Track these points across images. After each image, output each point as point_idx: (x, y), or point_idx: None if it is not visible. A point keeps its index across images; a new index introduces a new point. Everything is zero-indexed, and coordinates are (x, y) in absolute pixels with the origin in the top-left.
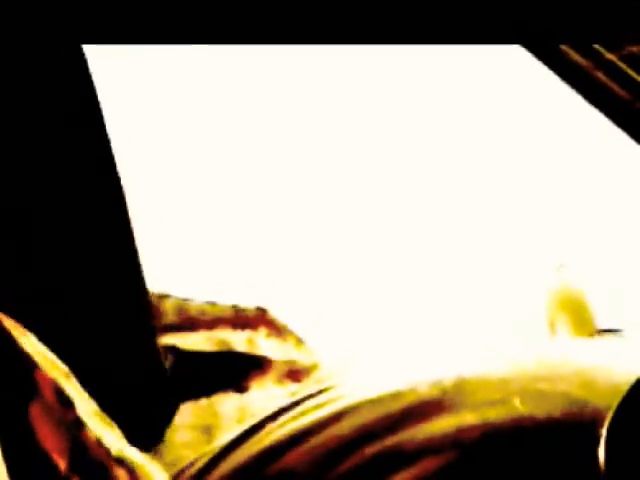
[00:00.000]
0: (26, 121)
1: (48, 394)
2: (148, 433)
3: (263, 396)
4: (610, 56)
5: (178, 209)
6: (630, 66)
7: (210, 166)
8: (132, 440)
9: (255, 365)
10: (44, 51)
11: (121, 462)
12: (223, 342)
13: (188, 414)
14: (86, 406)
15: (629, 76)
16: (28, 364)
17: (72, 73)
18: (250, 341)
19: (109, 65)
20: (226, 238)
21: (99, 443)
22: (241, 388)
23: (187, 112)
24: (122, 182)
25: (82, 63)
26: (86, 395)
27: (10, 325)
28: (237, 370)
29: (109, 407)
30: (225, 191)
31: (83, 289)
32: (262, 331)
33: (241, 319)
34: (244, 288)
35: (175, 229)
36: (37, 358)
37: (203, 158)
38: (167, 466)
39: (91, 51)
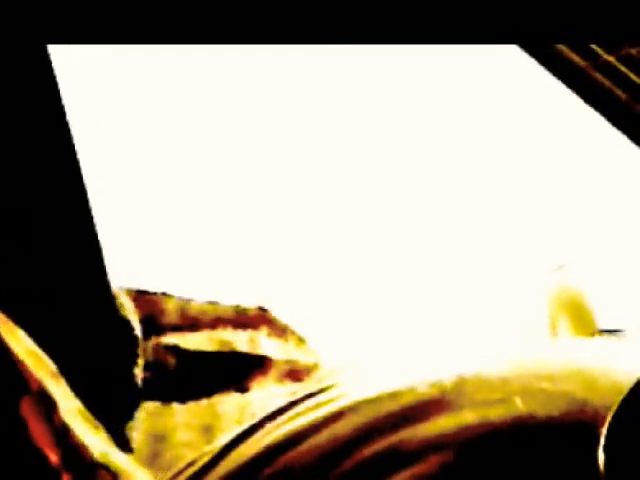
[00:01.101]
0: None
1: (36, 391)
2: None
3: (264, 395)
4: (609, 58)
5: (180, 211)
6: (628, 68)
7: (213, 169)
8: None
9: (256, 365)
10: (11, 52)
11: (104, 467)
12: (224, 342)
13: (189, 414)
14: (71, 406)
15: (628, 78)
16: (16, 361)
17: (35, 73)
18: (251, 341)
19: (106, 65)
20: (228, 239)
21: (83, 447)
22: (242, 388)
23: (188, 114)
24: (85, 181)
25: (48, 64)
26: (72, 394)
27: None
28: (238, 370)
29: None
30: (227, 193)
31: (46, 285)
32: (263, 331)
33: (242, 319)
34: (245, 288)
35: (177, 230)
36: (24, 356)
37: (206, 160)
38: (167, 465)
39: (87, 51)
